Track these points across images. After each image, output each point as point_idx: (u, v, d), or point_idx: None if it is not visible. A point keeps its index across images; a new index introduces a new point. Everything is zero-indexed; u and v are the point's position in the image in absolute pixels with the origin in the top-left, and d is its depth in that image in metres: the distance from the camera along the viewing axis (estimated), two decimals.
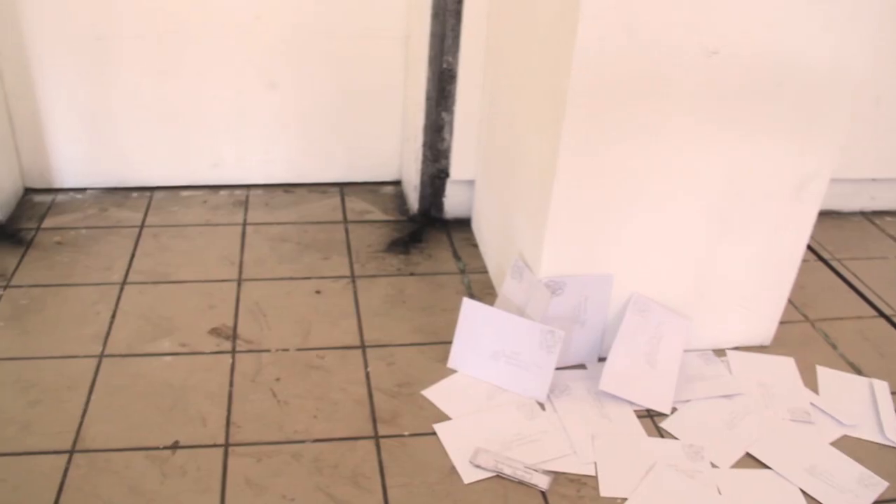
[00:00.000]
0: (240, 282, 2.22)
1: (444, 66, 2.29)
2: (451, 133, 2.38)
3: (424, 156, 2.42)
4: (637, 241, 1.88)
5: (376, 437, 1.76)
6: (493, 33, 2.19)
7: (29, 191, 2.63)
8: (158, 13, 2.39)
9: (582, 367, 2.00)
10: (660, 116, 1.72)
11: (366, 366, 1.95)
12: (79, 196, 2.61)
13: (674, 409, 1.88)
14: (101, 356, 1.95)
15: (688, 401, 1.92)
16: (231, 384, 1.88)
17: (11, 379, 1.87)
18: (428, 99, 2.34)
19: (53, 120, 2.52)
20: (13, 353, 1.95)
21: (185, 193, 2.63)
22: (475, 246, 2.42)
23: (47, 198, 2.61)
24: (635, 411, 1.87)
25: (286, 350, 1.99)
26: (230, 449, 1.71)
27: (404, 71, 2.53)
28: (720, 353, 2.06)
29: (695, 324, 2.01)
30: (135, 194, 2.63)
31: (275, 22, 2.44)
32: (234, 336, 2.02)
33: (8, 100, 2.47)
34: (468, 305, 1.96)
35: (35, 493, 1.59)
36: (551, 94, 1.75)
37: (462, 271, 2.30)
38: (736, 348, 2.08)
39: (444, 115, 2.36)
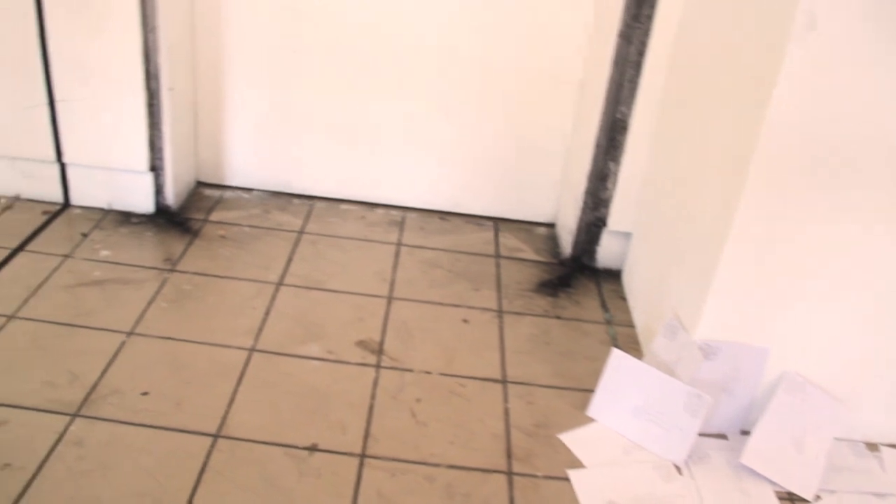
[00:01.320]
0: (390, 299, 2.26)
1: (618, 115, 2.29)
2: (614, 183, 2.37)
3: (584, 203, 2.42)
4: (801, 320, 1.82)
5: (510, 474, 1.75)
6: (672, 87, 2.18)
7: (200, 184, 2.76)
8: (348, 33, 2.49)
9: (723, 437, 1.94)
10: (847, 197, 1.66)
11: (505, 401, 1.95)
12: (245, 195, 2.72)
13: (817, 497, 1.80)
14: (252, 350, 2.01)
15: (833, 491, 1.82)
16: (372, 397, 1.90)
17: (169, 357, 1.96)
18: (596, 146, 2.34)
19: (234, 120, 2.65)
20: (172, 334, 2.04)
21: (343, 206, 2.70)
22: (623, 299, 2.39)
23: (216, 192, 2.73)
24: (776, 492, 1.80)
25: (429, 373, 2.00)
26: (366, 460, 1.73)
27: (574, 116, 2.54)
28: (873, 447, 1.96)
29: (850, 412, 1.92)
30: (297, 201, 2.72)
31: (455, 54, 2.50)
32: (379, 351, 2.05)
33: (197, 95, 2.61)
34: (617, 356, 1.94)
35: (178, 470, 1.65)
36: (733, 158, 1.72)
37: (608, 322, 2.28)
38: (891, 445, 1.97)
39: (610, 164, 2.35)
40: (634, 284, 2.36)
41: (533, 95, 2.54)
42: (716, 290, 1.79)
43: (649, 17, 2.16)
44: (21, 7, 2.29)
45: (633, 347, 2.19)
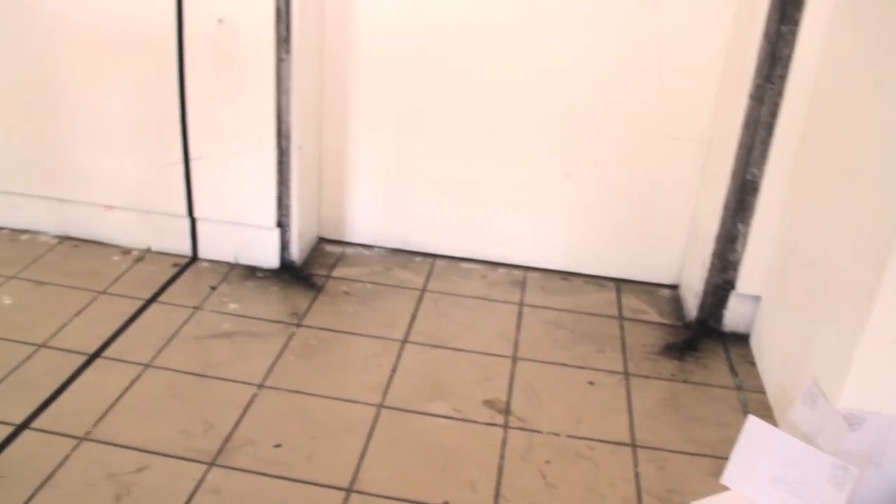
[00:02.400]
0: (514, 359, 2.24)
1: (748, 177, 2.25)
2: (744, 245, 2.32)
3: (712, 265, 2.37)
4: None
5: None
6: (808, 148, 2.13)
7: (322, 240, 2.81)
8: (472, 93, 2.53)
9: None
10: None
11: (635, 465, 1.90)
12: (366, 252, 2.76)
13: None
14: (381, 406, 2.01)
15: None
16: (501, 457, 1.88)
17: (299, 410, 1.98)
18: (725, 208, 2.30)
19: (357, 179, 2.70)
20: (301, 387, 2.06)
21: (464, 265, 2.71)
22: (752, 363, 2.31)
23: (337, 249, 2.77)
24: None
25: (557, 434, 1.97)
26: None
27: (700, 176, 2.50)
28: None
29: None
30: (417, 258, 2.74)
31: (578, 113, 2.50)
32: (507, 411, 2.03)
33: (322, 155, 2.68)
34: (753, 423, 1.87)
35: None
36: (879, 225, 1.66)
37: (738, 388, 2.21)
38: None
39: (739, 226, 2.31)
40: (765, 349, 2.29)
41: (658, 154, 2.52)
42: (861, 356, 1.71)
43: (782, 78, 2.13)
44: (164, 71, 2.40)
45: (766, 414, 2.11)
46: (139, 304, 2.39)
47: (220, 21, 2.29)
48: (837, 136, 1.98)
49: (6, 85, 2.55)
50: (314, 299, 2.47)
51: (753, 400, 2.17)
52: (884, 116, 1.74)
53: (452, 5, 2.46)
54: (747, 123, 2.21)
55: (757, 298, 2.38)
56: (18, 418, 1.89)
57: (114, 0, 2.37)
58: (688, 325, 2.47)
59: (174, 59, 2.38)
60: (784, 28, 2.09)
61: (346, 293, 2.51)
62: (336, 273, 2.62)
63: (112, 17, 2.39)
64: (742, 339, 2.42)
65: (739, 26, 2.30)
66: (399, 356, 2.22)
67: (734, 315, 2.42)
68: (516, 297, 2.56)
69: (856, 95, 1.90)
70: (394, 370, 2.16)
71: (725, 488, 1.86)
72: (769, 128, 2.19)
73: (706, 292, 2.42)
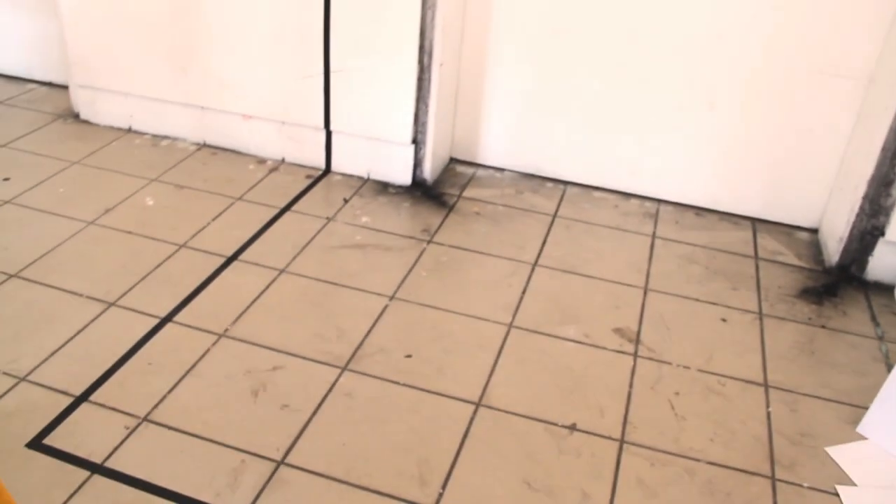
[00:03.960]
0: (646, 290, 2.20)
1: None
2: None
3: (861, 209, 2.26)
4: None
5: (773, 479, 1.66)
6: None
7: (454, 160, 2.81)
8: (614, 17, 2.44)
9: None
10: None
11: (767, 405, 1.84)
12: (497, 175, 2.74)
13: None
14: (511, 326, 2.01)
15: None
16: (630, 385, 1.86)
17: (429, 323, 2.00)
18: (884, 150, 2.18)
19: (493, 101, 2.67)
20: (432, 302, 2.08)
21: (596, 194, 2.67)
22: None
23: (469, 170, 2.77)
24: None
25: (687, 368, 1.93)
26: (625, 446, 1.69)
27: (857, 115, 2.37)
28: None
29: None
30: (549, 184, 2.71)
31: (732, 43, 2.39)
32: (636, 341, 2.00)
33: (461, 74, 2.66)
34: None
35: (443, 432, 1.68)
36: None
37: (880, 338, 2.11)
38: None
39: None
40: None
41: (811, 90, 2.39)
42: None
43: None
44: None
45: None
46: (274, 212, 2.43)
47: None
48: None
49: None
50: (445, 218, 2.47)
51: None
52: None
53: None
54: None
55: None
56: (163, 312, 1.97)
57: None
58: (827, 270, 2.37)
59: None
60: None
61: (477, 214, 2.50)
62: (467, 193, 2.61)
63: None
64: (886, 289, 2.31)
65: None
66: (529, 279, 2.21)
67: (880, 263, 2.31)
68: (649, 228, 2.50)
69: None
70: (524, 292, 2.15)
71: (862, 437, 1.80)
72: None
73: (851, 237, 2.31)
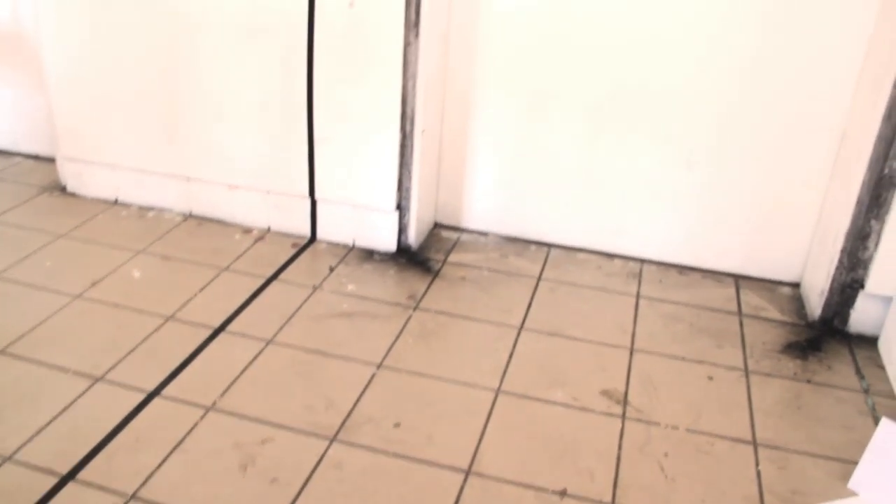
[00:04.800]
0: (632, 351, 2.21)
1: (886, 171, 2.16)
2: (876, 243, 2.23)
3: (840, 262, 2.29)
4: None
5: None
6: None
7: (438, 225, 2.84)
8: (593, 83, 2.50)
9: None
10: None
11: (756, 464, 1.85)
12: (482, 239, 2.77)
13: None
14: (498, 391, 2.02)
15: None
16: (619, 447, 1.86)
17: (417, 391, 2.00)
18: (858, 203, 2.22)
19: (475, 165, 2.71)
20: (420, 369, 2.08)
21: (580, 256, 2.69)
22: (881, 367, 2.23)
23: (454, 234, 2.79)
24: None
25: (675, 428, 1.93)
26: None
27: (831, 170, 2.42)
28: None
29: None
30: (533, 247, 2.73)
31: (701, 102, 2.45)
32: (624, 402, 2.01)
33: (443, 140, 2.70)
34: (887, 427, 1.80)
35: (434, 501, 1.67)
36: None
37: (865, 391, 2.13)
38: None
39: (872, 222, 2.22)
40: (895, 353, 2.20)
41: (785, 146, 2.44)
42: None
43: None
44: (293, 55, 2.45)
45: None
46: (260, 281, 2.45)
47: (351, 5, 2.32)
48: None
49: (140, 68, 2.65)
50: (431, 283, 2.48)
51: (883, 405, 2.08)
52: None
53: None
54: (889, 115, 2.11)
55: (888, 299, 2.28)
56: (150, 386, 1.97)
57: None
58: (810, 325, 2.39)
59: (303, 43, 2.43)
60: None
61: (463, 278, 2.52)
62: (452, 258, 2.63)
63: (245, 2, 2.45)
64: (869, 342, 2.33)
65: (882, 12, 2.20)
66: (515, 343, 2.22)
67: (862, 316, 2.33)
68: (633, 288, 2.52)
69: None
70: (511, 356, 2.16)
71: (853, 493, 1.80)
72: None
73: (832, 291, 2.33)
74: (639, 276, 2.59)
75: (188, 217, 2.81)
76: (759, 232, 2.57)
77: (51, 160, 3.13)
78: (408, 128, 2.46)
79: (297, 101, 2.51)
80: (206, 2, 2.49)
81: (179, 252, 2.59)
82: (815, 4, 2.28)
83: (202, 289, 2.40)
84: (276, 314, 2.29)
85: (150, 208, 2.86)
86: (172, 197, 2.83)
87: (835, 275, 2.32)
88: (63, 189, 2.96)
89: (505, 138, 2.65)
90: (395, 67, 2.37)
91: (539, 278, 2.55)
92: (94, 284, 2.38)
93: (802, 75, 2.36)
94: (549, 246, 2.74)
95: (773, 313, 2.44)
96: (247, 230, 2.75)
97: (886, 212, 2.19)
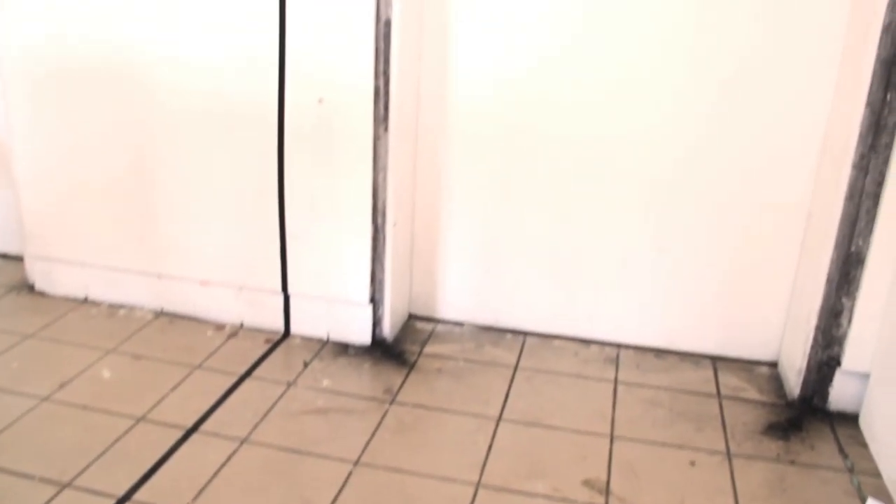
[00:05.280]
0: (612, 438, 2.18)
1: (853, 249, 2.19)
2: (849, 320, 2.24)
3: (815, 340, 2.29)
4: None
5: None
6: None
7: (413, 317, 2.82)
8: (562, 169, 2.53)
9: None
10: None
11: None
12: (457, 329, 2.75)
13: None
14: (478, 485, 1.98)
15: None
16: None
17: (395, 488, 1.95)
18: (828, 281, 2.23)
19: (448, 256, 2.71)
20: (398, 465, 2.04)
21: (556, 343, 2.68)
22: (864, 445, 2.21)
23: (428, 326, 2.77)
24: None
25: None
26: None
27: (800, 248, 2.44)
28: None
29: None
30: (508, 335, 2.72)
31: (672, 185, 2.48)
32: (606, 491, 1.97)
33: (415, 232, 2.71)
34: None
35: None
36: None
37: (850, 470, 2.11)
38: None
39: (844, 299, 2.23)
40: (877, 429, 2.18)
41: (754, 226, 2.47)
42: None
43: (888, 147, 2.08)
44: (263, 150, 2.47)
45: (883, 500, 2.01)
46: (233, 379, 2.41)
47: (321, 101, 2.35)
48: None
49: (109, 164, 2.65)
50: (407, 376, 2.46)
51: (868, 484, 2.06)
52: None
53: (546, 83, 2.48)
54: (851, 195, 2.15)
55: (866, 375, 2.28)
56: (120, 491, 1.91)
57: (216, 82, 2.46)
58: (790, 404, 2.38)
59: (274, 139, 2.45)
60: (889, 95, 2.05)
61: (439, 370, 2.50)
62: (428, 350, 2.61)
63: (213, 99, 2.48)
64: (850, 419, 2.32)
65: (840, 95, 2.26)
66: (494, 434, 2.18)
67: (841, 393, 2.33)
68: (610, 374, 2.51)
69: None
70: (490, 448, 2.12)
71: None
72: (875, 198, 2.13)
73: (809, 369, 2.33)
74: (616, 362, 2.58)
75: (160, 314, 2.78)
76: (734, 312, 2.57)
77: (19, 258, 3.10)
78: (379, 221, 2.47)
79: (269, 195, 2.51)
80: (177, 99, 2.52)
81: (151, 350, 2.55)
82: (772, 94, 2.35)
83: (174, 388, 2.35)
84: (250, 412, 2.24)
85: (121, 306, 2.82)
86: (143, 294, 2.80)
87: (811, 353, 2.32)
88: (31, 288, 2.92)
89: (476, 228, 2.66)
90: (366, 161, 2.38)
91: (516, 367, 2.53)
92: (62, 386, 2.33)
93: (766, 160, 2.40)
94: (525, 334, 2.73)
95: (753, 394, 2.43)
96: (219, 326, 2.72)
97: (857, 289, 2.21)
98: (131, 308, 2.81)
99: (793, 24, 2.30)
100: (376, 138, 2.37)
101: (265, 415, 2.23)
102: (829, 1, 2.25)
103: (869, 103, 2.07)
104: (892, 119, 2.06)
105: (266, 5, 2.36)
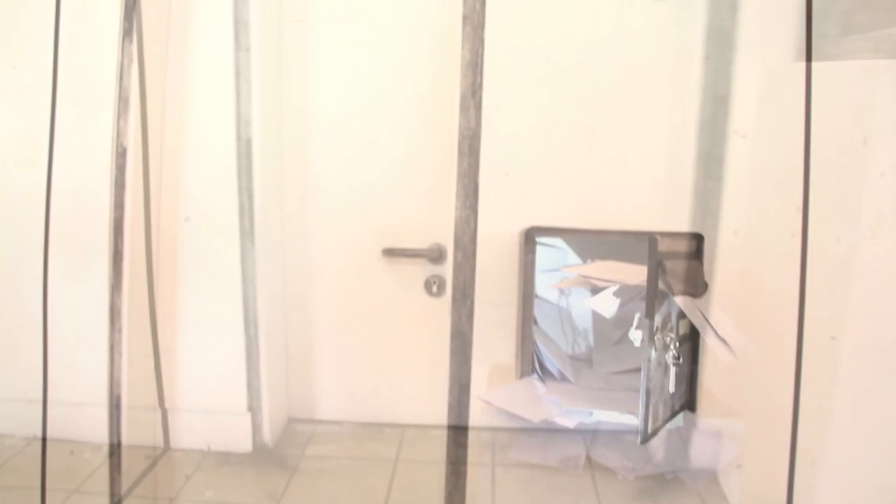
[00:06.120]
0: None
1: None
2: None
3: None
4: None
5: None
6: None
7: (293, 420, 2.86)
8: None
9: None
10: None
11: None
12: (337, 428, 2.81)
13: None
14: None
15: None
16: None
17: None
18: None
19: (322, 359, 2.79)
20: None
21: (434, 432, 2.77)
22: None
23: (309, 427, 2.82)
24: None
25: None
26: None
27: None
28: None
29: None
30: (388, 429, 2.79)
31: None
32: None
33: (289, 339, 2.77)
34: None
35: None
36: None
37: None
38: None
39: None
40: None
41: None
42: None
43: None
44: (133, 268, 2.49)
45: None
46: (114, 500, 2.38)
47: (187, 219, 2.41)
48: None
49: None
50: (290, 480, 2.49)
51: None
52: None
53: (399, 206, 2.64)
54: None
55: None
56: None
57: (84, 211, 2.49)
58: None
59: (143, 258, 2.48)
60: None
61: (321, 471, 2.54)
62: (309, 451, 2.65)
63: (78, 222, 2.49)
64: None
65: None
66: None
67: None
68: (488, 458, 2.61)
69: None
70: None
71: None
72: None
73: None
74: (492, 445, 2.68)
75: (31, 441, 2.72)
76: None
77: None
78: (251, 331, 2.52)
79: (141, 314, 2.53)
80: (35, 230, 2.52)
81: (23, 479, 2.49)
82: None
83: None
84: None
85: None
86: (14, 422, 2.74)
87: None
88: None
89: (347, 332, 2.76)
90: (235, 274, 2.45)
91: (396, 460, 2.60)
92: None
93: None
94: (403, 426, 2.81)
95: None
96: (97, 447, 2.68)
97: None
98: (1, 437, 2.74)
99: None
100: (244, 252, 2.45)
101: None
102: None
103: None
104: None
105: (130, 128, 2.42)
